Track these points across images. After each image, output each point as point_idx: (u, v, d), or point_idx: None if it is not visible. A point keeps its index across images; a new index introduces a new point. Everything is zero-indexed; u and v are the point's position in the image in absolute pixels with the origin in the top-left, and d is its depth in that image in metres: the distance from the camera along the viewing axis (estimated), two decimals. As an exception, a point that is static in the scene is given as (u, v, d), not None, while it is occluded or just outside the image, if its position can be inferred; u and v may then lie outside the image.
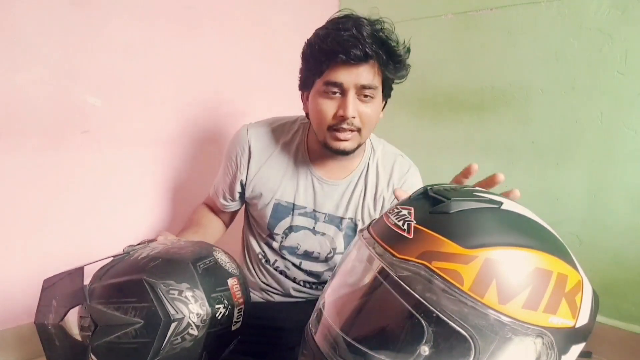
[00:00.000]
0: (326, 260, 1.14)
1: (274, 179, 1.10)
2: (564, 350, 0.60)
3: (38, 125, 1.27)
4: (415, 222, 0.61)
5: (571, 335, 0.60)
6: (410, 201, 0.67)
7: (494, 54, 1.51)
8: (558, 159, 1.41)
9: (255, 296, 1.18)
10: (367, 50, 0.92)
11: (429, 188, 0.67)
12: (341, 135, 0.98)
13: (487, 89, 1.53)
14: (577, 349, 0.62)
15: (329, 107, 0.97)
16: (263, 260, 1.17)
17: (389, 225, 0.64)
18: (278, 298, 1.17)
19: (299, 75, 1.06)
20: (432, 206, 0.63)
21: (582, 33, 1.32)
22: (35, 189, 1.29)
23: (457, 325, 0.55)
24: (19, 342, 1.30)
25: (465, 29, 1.56)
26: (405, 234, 0.61)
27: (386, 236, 0.64)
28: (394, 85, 1.05)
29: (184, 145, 1.58)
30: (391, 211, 0.67)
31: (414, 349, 0.58)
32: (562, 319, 0.59)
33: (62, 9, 1.27)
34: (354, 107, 0.95)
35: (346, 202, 1.11)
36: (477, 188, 0.69)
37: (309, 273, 1.15)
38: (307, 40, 1.00)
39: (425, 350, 0.58)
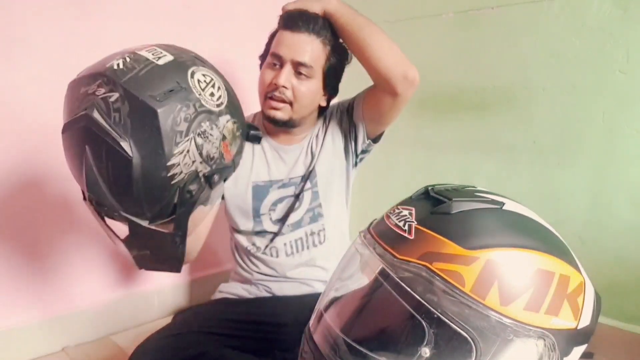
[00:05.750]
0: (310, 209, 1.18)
1: (246, 164, 1.16)
2: (565, 351, 0.60)
3: (38, 125, 1.27)
4: (416, 222, 0.61)
5: (573, 337, 0.60)
6: (411, 201, 0.67)
7: (495, 53, 1.50)
8: (559, 159, 1.40)
9: (254, 290, 1.18)
10: (312, 23, 1.04)
11: (430, 188, 0.67)
12: (273, 103, 1.08)
13: (488, 89, 1.53)
14: (579, 350, 0.62)
15: (268, 76, 1.08)
16: (253, 250, 1.18)
17: (390, 225, 0.64)
18: (275, 286, 1.16)
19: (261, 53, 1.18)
20: (433, 207, 0.62)
21: (583, 32, 1.32)
22: (35, 188, 1.29)
23: (458, 327, 0.55)
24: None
25: (465, 28, 1.55)
26: (406, 235, 0.61)
27: (387, 237, 0.63)
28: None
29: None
30: (392, 211, 0.66)
31: (415, 351, 0.58)
32: (564, 321, 0.58)
33: (62, 9, 1.27)
34: (287, 77, 1.05)
35: (310, 158, 1.18)
36: (478, 188, 0.69)
37: (298, 238, 1.18)
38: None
39: (426, 352, 0.58)
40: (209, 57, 1.64)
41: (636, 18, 1.23)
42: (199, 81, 0.70)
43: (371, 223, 0.70)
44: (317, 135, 1.19)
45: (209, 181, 0.73)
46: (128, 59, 0.68)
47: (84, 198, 0.75)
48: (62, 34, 1.28)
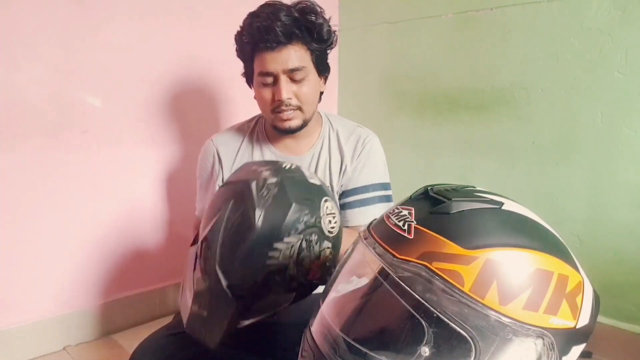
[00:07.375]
0: None
1: None
2: (564, 351, 0.60)
3: (38, 125, 1.27)
4: (415, 222, 0.61)
5: (572, 336, 0.60)
6: (410, 201, 0.67)
7: (494, 53, 1.50)
8: (558, 159, 1.41)
9: None
10: (283, 34, 1.01)
11: (429, 188, 0.67)
12: (284, 115, 1.08)
13: (488, 89, 1.53)
14: (577, 349, 0.62)
15: (267, 94, 1.08)
16: None
17: (390, 225, 0.64)
18: None
19: (243, 71, 1.16)
20: (433, 206, 0.63)
21: (582, 33, 1.32)
22: (35, 188, 1.29)
23: (457, 326, 0.55)
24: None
25: (465, 28, 1.56)
26: (405, 235, 0.61)
27: (386, 236, 0.63)
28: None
29: (183, 145, 1.58)
30: (392, 211, 0.67)
31: (414, 350, 0.58)
32: (563, 320, 0.59)
33: (61, 9, 1.27)
34: (287, 90, 1.05)
35: (313, 172, 1.15)
36: (478, 188, 0.69)
37: None
38: (235, 36, 1.11)
39: (425, 351, 0.58)
40: (210, 58, 1.65)
41: (635, 19, 1.24)
42: (327, 208, 0.86)
43: (371, 223, 0.70)
44: (330, 161, 1.17)
45: (289, 285, 0.82)
46: (293, 167, 0.89)
47: (192, 244, 0.90)
48: (63, 34, 1.28)
